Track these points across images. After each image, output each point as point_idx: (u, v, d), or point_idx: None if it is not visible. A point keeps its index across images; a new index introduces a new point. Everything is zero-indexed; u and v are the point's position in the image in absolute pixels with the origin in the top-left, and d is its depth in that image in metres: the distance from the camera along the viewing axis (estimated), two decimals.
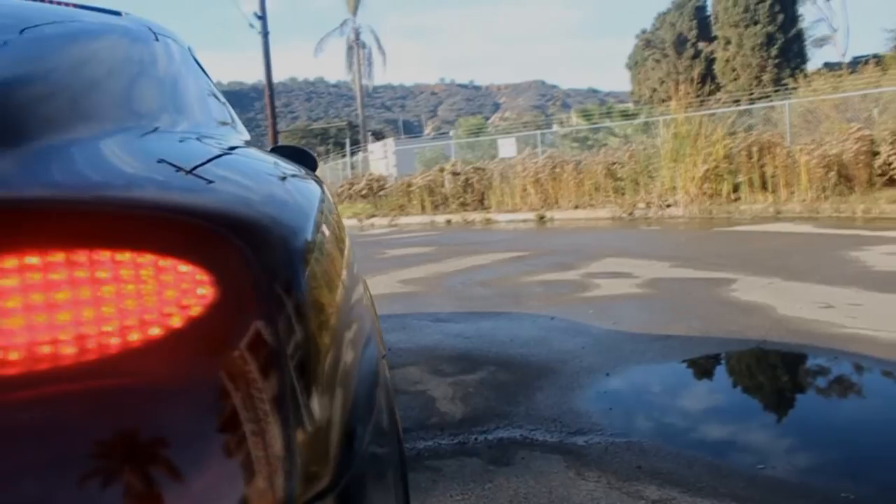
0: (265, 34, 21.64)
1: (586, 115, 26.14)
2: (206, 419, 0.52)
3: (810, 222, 10.69)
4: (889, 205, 10.87)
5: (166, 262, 0.53)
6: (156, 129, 0.93)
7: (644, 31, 29.59)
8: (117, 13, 1.66)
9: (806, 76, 18.90)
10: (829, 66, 22.07)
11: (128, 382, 0.50)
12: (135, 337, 0.51)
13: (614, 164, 15.81)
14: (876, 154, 11.69)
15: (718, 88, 23.92)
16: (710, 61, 25.81)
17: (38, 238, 0.51)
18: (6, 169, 0.55)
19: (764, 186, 12.98)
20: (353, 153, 32.04)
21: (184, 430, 0.51)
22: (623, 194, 15.16)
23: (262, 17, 21.70)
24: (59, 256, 0.50)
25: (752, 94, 19.58)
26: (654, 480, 2.48)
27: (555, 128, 26.86)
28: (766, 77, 23.38)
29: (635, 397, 3.47)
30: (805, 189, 12.25)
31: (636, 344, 4.26)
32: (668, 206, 13.95)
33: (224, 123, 1.52)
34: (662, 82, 26.43)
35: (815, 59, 25.23)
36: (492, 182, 17.72)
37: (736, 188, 13.41)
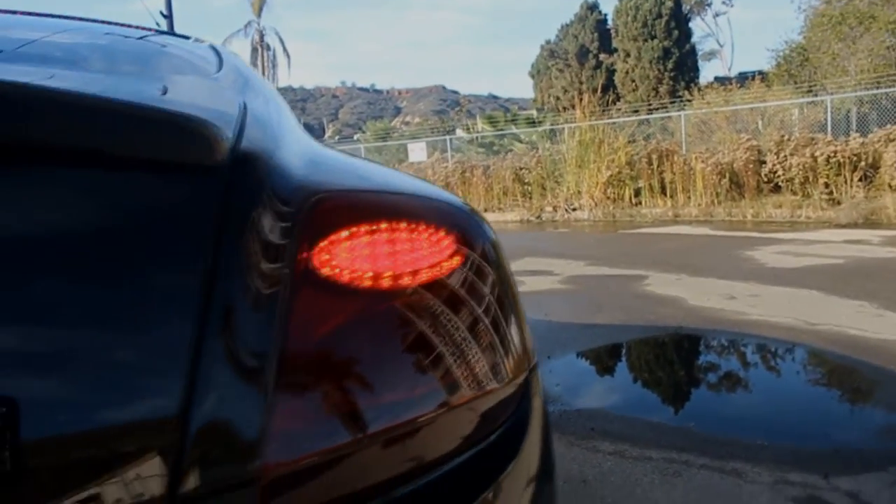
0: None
1: (492, 122, 26.81)
2: (474, 314, 0.87)
3: (706, 225, 11.53)
4: (775, 209, 11.85)
5: (438, 232, 0.87)
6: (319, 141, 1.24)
7: (548, 42, 30.65)
8: (186, 37, 1.92)
9: (700, 89, 20.12)
10: (720, 80, 23.54)
11: (436, 296, 0.84)
12: (437, 270, 0.85)
13: (522, 169, 16.40)
14: (763, 163, 12.66)
15: (619, 98, 25.09)
16: (611, 72, 27.01)
17: (373, 216, 0.84)
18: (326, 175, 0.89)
19: (663, 191, 13.83)
20: None
21: (468, 322, 0.86)
22: (531, 198, 15.77)
23: (168, 17, 21.28)
24: (387, 226, 0.83)
25: (650, 104, 20.71)
26: (606, 438, 2.91)
27: (460, 133, 27.40)
28: (662, 89, 24.71)
29: (577, 375, 3.92)
30: (701, 194, 13.14)
31: (568, 332, 4.72)
32: (574, 209, 14.64)
33: None
34: (566, 91, 27.48)
35: (705, 72, 26.81)
36: None
37: (637, 193, 14.22)
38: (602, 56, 27.73)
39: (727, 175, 12.91)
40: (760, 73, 20.98)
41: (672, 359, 4.28)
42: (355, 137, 38.59)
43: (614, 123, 15.70)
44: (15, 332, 0.59)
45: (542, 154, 16.44)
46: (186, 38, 1.92)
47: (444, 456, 0.82)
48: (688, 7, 26.97)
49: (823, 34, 18.35)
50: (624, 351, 4.38)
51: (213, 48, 1.59)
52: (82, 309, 0.61)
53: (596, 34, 28.20)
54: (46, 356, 0.59)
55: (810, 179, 11.87)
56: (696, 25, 27.72)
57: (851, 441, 2.82)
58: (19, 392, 0.57)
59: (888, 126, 11.95)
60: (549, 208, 15.03)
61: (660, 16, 24.93)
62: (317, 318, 0.73)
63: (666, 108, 19.21)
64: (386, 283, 0.80)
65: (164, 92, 0.86)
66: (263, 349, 0.67)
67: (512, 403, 0.93)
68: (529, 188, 15.96)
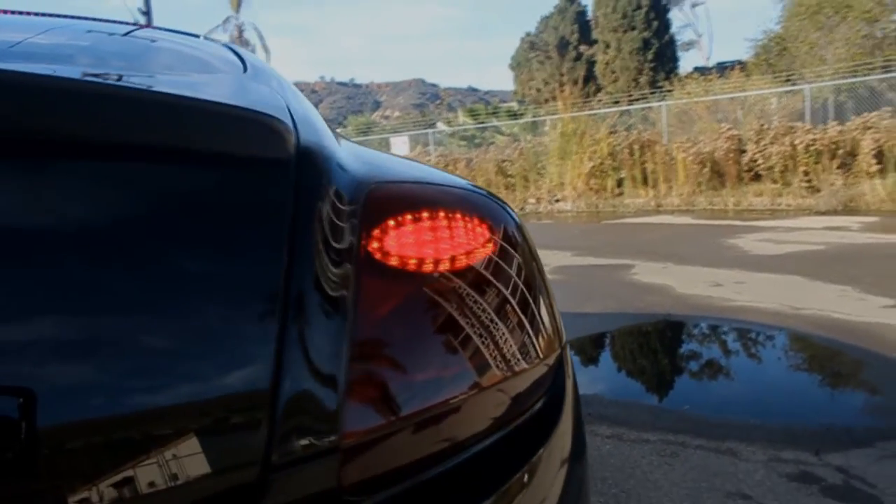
0: None
1: (473, 114, 26.86)
2: (503, 293, 0.93)
3: (688, 214, 11.65)
4: (756, 198, 12.00)
5: (472, 220, 0.93)
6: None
7: (529, 34, 30.70)
8: (196, 35, 1.96)
9: (680, 80, 20.27)
10: (700, 70, 23.74)
11: (475, 278, 0.90)
12: (473, 255, 0.91)
13: (504, 161, 16.49)
14: (743, 152, 12.78)
15: (599, 90, 25.22)
16: (592, 64, 27.12)
17: (416, 206, 0.90)
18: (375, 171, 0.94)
19: (645, 181, 13.94)
20: None
21: (500, 298, 0.92)
22: (514, 190, 15.84)
23: (147, 13, 21.15)
24: (428, 214, 0.89)
25: (630, 95, 20.81)
26: (603, 422, 2.98)
27: (442, 126, 27.42)
28: (643, 79, 24.85)
29: (572, 362, 3.99)
30: (682, 184, 13.26)
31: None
32: (557, 200, 14.73)
33: None
34: (547, 83, 27.56)
35: (683, 62, 26.95)
36: None
37: (619, 183, 14.33)
38: (582, 47, 27.82)
39: (708, 164, 13.02)
40: (740, 62, 21.17)
41: (663, 345, 4.37)
42: (338, 132, 38.30)
43: (595, 115, 15.80)
44: (129, 318, 0.65)
45: (525, 146, 16.52)
46: (196, 36, 1.95)
47: (487, 430, 0.89)
48: None
49: (801, 23, 18.54)
50: (616, 338, 4.46)
51: (228, 47, 1.63)
52: (178, 297, 0.67)
53: (576, 26, 28.29)
54: (154, 339, 0.65)
55: (790, 168, 12.01)
56: (674, 16, 27.90)
57: (840, 419, 2.91)
58: (136, 367, 0.63)
59: (865, 114, 12.11)
60: (533, 200, 15.11)
61: (639, 7, 25.05)
62: (378, 301, 0.80)
63: (646, 98, 19.31)
64: (430, 267, 0.86)
65: (216, 89, 0.90)
66: (338, 329, 0.74)
67: (549, 379, 1.00)
68: (512, 180, 16.03)
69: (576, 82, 17.45)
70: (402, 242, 0.85)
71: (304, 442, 0.69)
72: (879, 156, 11.25)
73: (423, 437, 0.82)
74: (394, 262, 0.83)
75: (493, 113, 26.32)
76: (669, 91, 18.72)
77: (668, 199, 13.23)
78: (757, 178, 12.70)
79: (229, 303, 0.68)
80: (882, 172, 11.14)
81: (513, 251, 0.98)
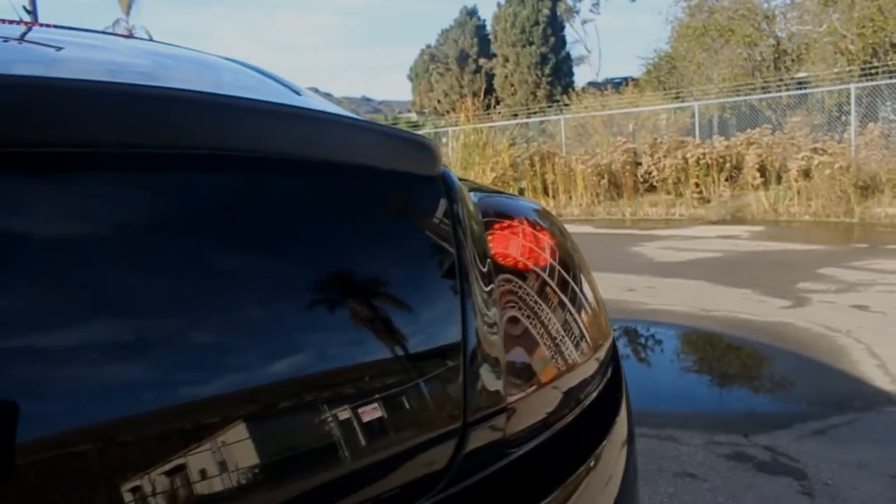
0: None
1: None
2: (549, 285, 1.07)
3: (589, 224, 12.12)
4: (651, 208, 12.63)
5: (535, 228, 1.07)
6: None
7: (429, 46, 31.06)
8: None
9: (577, 94, 21.00)
10: (593, 85, 24.69)
11: (546, 275, 1.03)
12: (545, 256, 1.04)
13: None
14: (639, 164, 13.43)
15: (499, 102, 25.78)
16: (491, 77, 27.70)
17: (505, 216, 1.03)
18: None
19: (546, 192, 14.42)
20: None
21: (549, 287, 1.05)
22: None
23: (33, 12, 20.19)
24: (507, 223, 1.03)
25: (528, 108, 21.39)
26: None
27: None
28: (540, 93, 25.60)
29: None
30: (581, 194, 13.80)
31: None
32: None
33: None
34: (446, 94, 27.97)
35: (575, 76, 27.88)
36: None
37: (521, 193, 14.72)
38: (482, 61, 28.37)
39: (606, 176, 13.61)
40: (632, 78, 22.10)
41: None
42: None
43: (496, 126, 16.19)
44: (368, 305, 0.76)
45: None
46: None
47: (578, 401, 1.03)
48: (560, 14, 28.00)
49: (689, 44, 19.56)
50: None
51: (253, 67, 1.65)
52: (394, 284, 0.80)
53: (476, 39, 28.85)
54: (371, 318, 0.76)
55: (682, 179, 12.70)
56: (566, 32, 28.89)
57: (761, 406, 3.21)
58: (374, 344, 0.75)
59: (748, 130, 12.95)
60: None
61: (537, 23, 25.83)
62: (503, 288, 0.94)
63: (544, 111, 19.92)
64: (517, 265, 1.00)
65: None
66: (494, 305, 0.87)
67: (610, 358, 1.14)
68: None
69: (476, 94, 17.78)
70: (500, 245, 0.99)
71: (486, 399, 0.81)
72: (762, 169, 12.06)
73: (546, 401, 0.95)
74: (498, 259, 0.97)
75: (394, 123, 26.47)
76: (567, 105, 19.37)
77: (568, 209, 13.71)
78: (652, 189, 13.35)
79: (429, 286, 0.83)
80: (765, 185, 11.95)
81: (569, 251, 1.12)
